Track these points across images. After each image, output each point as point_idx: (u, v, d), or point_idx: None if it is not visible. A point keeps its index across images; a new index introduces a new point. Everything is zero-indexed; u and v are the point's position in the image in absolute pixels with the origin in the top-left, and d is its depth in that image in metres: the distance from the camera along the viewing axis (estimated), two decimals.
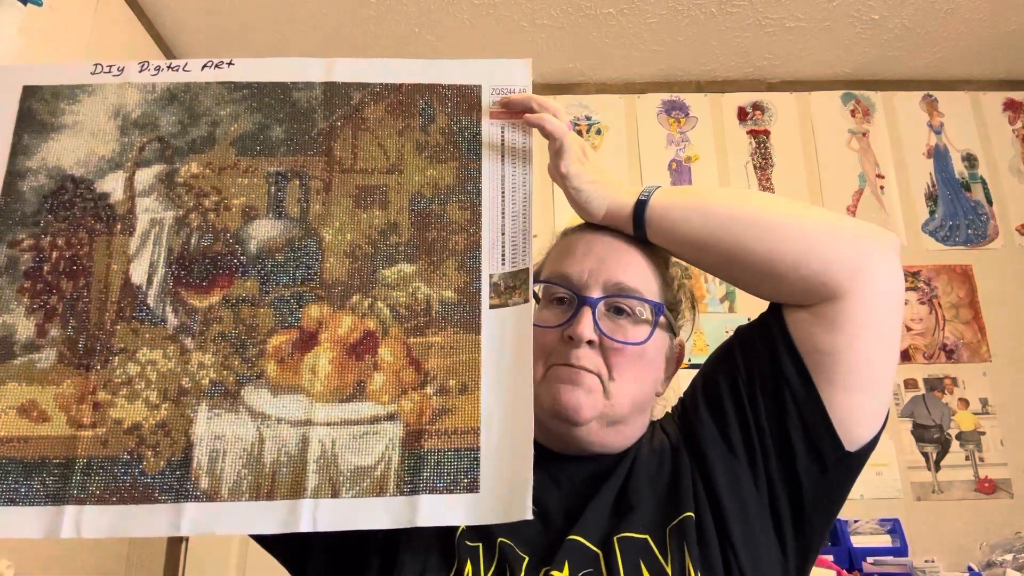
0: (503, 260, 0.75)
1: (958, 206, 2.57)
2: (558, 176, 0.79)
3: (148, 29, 2.31)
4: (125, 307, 0.73)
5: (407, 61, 0.81)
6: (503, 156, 0.79)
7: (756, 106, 2.67)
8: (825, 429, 0.72)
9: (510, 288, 0.74)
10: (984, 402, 2.35)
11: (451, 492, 0.68)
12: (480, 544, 0.70)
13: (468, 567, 0.67)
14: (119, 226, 0.76)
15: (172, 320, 0.73)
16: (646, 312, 0.77)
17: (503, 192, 0.77)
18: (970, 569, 1.90)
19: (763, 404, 0.74)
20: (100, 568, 2.03)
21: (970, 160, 2.62)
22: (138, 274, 0.74)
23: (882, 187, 2.58)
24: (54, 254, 0.75)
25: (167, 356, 0.72)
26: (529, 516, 0.66)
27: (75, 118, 0.80)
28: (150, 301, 0.74)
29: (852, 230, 0.74)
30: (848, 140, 2.63)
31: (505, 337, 0.72)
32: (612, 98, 2.68)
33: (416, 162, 0.78)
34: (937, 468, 2.29)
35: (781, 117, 2.66)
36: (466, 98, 0.80)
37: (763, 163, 2.60)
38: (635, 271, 0.78)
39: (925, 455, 2.31)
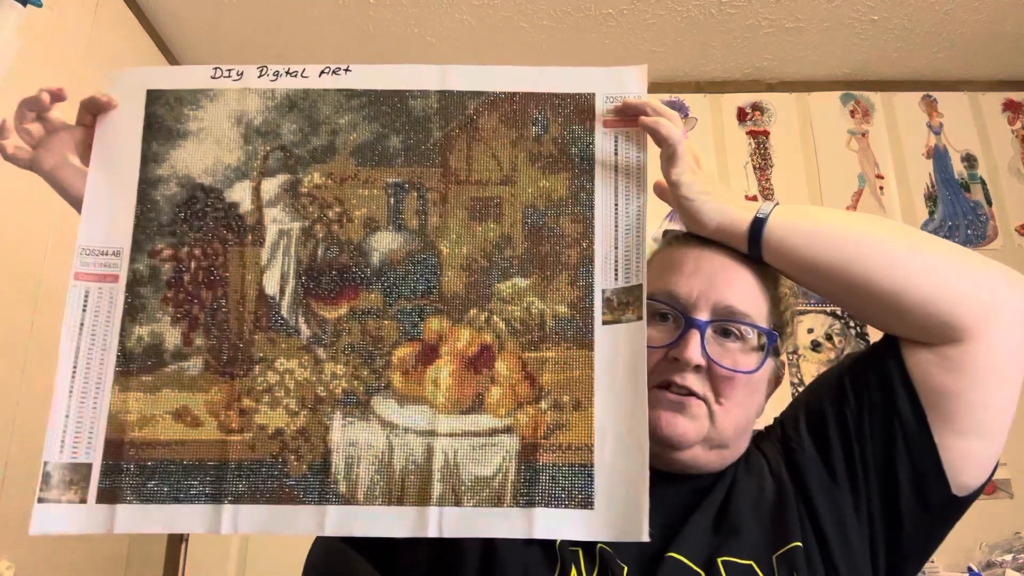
0: (616, 275, 0.74)
1: (958, 207, 2.56)
2: (668, 184, 0.76)
3: (148, 30, 2.29)
4: (261, 317, 0.76)
5: (521, 68, 0.81)
6: (616, 167, 0.77)
7: (756, 107, 2.66)
8: (935, 470, 0.69)
9: (623, 304, 0.73)
10: None
11: (566, 507, 0.69)
12: (580, 549, 0.70)
13: (573, 572, 0.68)
14: (250, 237, 0.78)
15: (305, 331, 0.75)
16: (756, 337, 0.75)
17: (616, 204, 0.76)
18: (970, 569, 1.89)
19: (870, 437, 0.72)
20: (100, 568, 2.02)
21: (970, 160, 2.61)
22: (271, 285, 0.77)
23: (881, 188, 2.57)
24: (192, 264, 0.77)
25: (303, 365, 0.74)
26: (645, 538, 0.66)
27: (199, 124, 0.81)
28: (284, 312, 0.76)
29: (984, 271, 0.71)
30: (847, 140, 2.63)
31: (618, 354, 0.72)
32: None
33: (529, 173, 0.78)
34: None
35: (781, 118, 2.65)
36: (580, 106, 0.79)
37: (763, 164, 2.60)
38: (746, 293, 0.75)
39: None
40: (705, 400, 0.73)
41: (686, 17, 2.35)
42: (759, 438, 0.82)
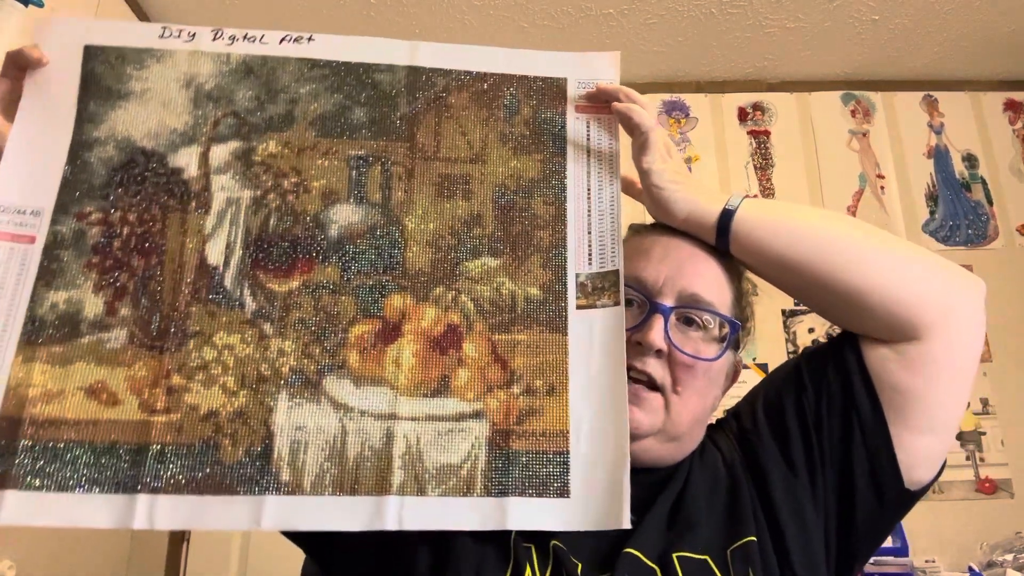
0: (590, 260, 0.72)
1: (958, 206, 2.56)
2: (639, 172, 0.74)
3: None
4: (201, 288, 0.68)
5: (493, 49, 0.77)
6: (589, 152, 0.75)
7: (756, 106, 2.66)
8: (889, 465, 0.70)
9: (598, 289, 0.71)
10: (984, 402, 2.33)
11: (541, 496, 0.65)
12: (532, 546, 0.67)
13: (527, 570, 0.65)
14: (194, 203, 0.70)
15: (250, 304, 0.68)
16: (717, 327, 0.73)
17: (589, 189, 0.74)
18: (971, 569, 1.89)
19: (828, 429, 0.72)
20: (101, 568, 2.03)
21: (970, 160, 2.60)
22: (214, 254, 0.69)
23: (882, 187, 2.57)
24: (124, 229, 0.69)
25: (245, 341, 0.67)
26: (627, 525, 0.63)
27: (143, 85, 0.73)
28: (227, 283, 0.68)
29: (945, 272, 0.71)
30: (848, 140, 2.62)
31: (593, 340, 0.69)
32: None
33: (500, 153, 0.74)
34: None
35: (781, 117, 2.65)
36: (552, 90, 0.76)
37: (763, 163, 2.60)
38: (712, 283, 0.74)
39: None
40: (662, 389, 0.71)
41: (686, 17, 2.35)
42: (712, 431, 0.80)
